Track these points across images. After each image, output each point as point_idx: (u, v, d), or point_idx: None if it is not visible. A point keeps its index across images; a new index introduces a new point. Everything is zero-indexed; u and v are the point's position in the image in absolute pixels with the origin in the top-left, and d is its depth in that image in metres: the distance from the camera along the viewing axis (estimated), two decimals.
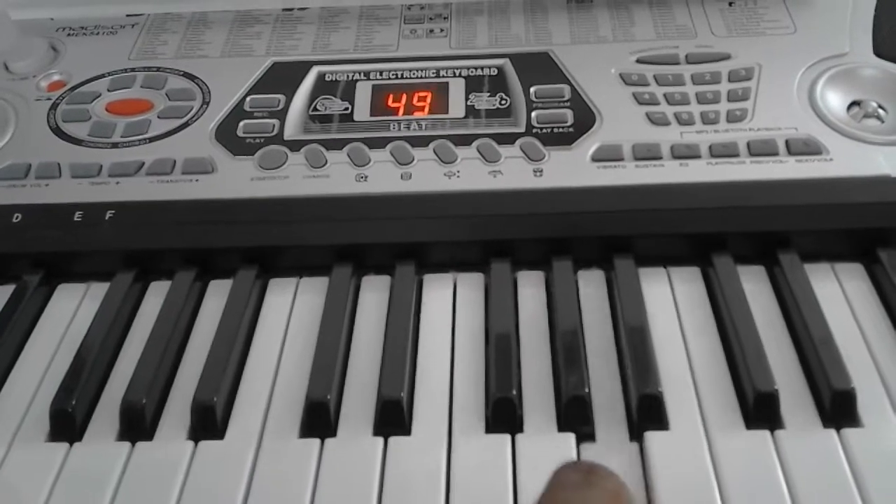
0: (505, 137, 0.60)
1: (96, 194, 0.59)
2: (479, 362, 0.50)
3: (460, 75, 0.66)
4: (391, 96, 0.64)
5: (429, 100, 0.64)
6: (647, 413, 0.46)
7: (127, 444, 0.47)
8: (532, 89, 0.63)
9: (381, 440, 0.46)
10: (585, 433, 0.46)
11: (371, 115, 0.63)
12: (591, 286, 0.54)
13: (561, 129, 0.61)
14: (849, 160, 0.57)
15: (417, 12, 0.72)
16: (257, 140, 0.61)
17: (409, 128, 0.62)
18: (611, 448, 0.45)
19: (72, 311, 0.55)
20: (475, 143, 0.60)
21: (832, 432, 0.45)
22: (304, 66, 0.67)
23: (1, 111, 0.65)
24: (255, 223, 0.57)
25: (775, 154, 0.58)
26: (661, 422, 0.46)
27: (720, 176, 0.57)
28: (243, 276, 0.55)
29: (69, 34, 0.73)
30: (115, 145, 0.62)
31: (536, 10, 0.71)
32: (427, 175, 0.58)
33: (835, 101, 0.61)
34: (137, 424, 0.48)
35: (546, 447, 0.45)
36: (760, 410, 0.46)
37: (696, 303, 0.53)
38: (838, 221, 0.54)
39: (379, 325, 0.53)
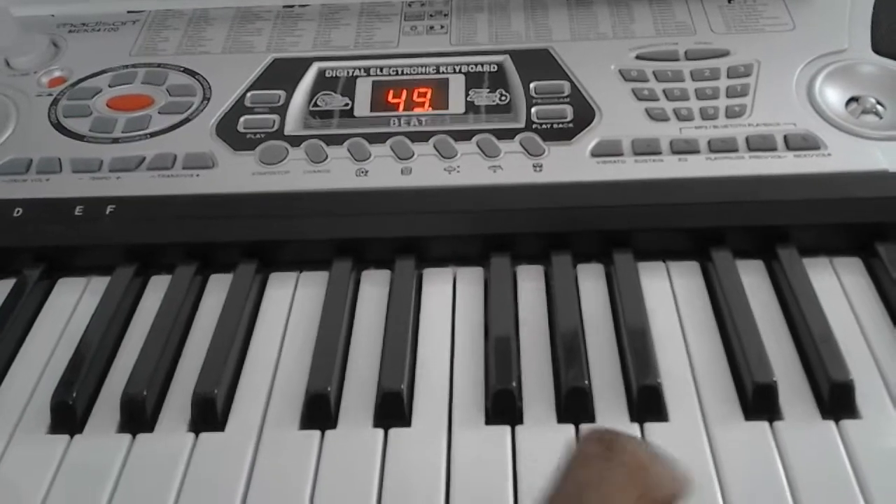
0: (505, 133, 0.60)
1: (97, 189, 0.59)
2: (479, 355, 0.50)
3: (460, 71, 0.66)
4: (391, 92, 0.64)
5: (429, 96, 0.64)
6: (646, 404, 0.46)
7: (128, 437, 0.47)
8: (532, 85, 0.64)
9: (381, 432, 0.46)
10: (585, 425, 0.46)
11: (371, 111, 0.63)
12: (590, 280, 0.54)
13: (561, 125, 0.61)
14: (847, 155, 0.57)
15: (418, 9, 0.73)
16: (258, 135, 0.62)
17: (409, 123, 0.62)
18: None
19: (72, 304, 0.55)
20: (475, 139, 0.60)
21: (831, 424, 0.45)
22: (305, 63, 0.67)
23: (2, 107, 0.65)
24: (255, 218, 0.57)
25: (774, 149, 0.58)
26: (660, 413, 0.46)
27: (719, 171, 0.57)
28: (244, 270, 0.55)
29: (70, 30, 0.73)
30: (115, 140, 0.62)
31: (536, 7, 0.71)
32: (427, 170, 0.59)
33: (833, 96, 0.62)
34: (138, 416, 0.48)
35: (546, 439, 0.45)
36: (759, 402, 0.46)
37: (695, 297, 0.53)
38: (837, 216, 0.55)
39: (379, 318, 0.53)
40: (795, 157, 0.58)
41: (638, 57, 0.66)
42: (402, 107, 0.63)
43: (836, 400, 0.45)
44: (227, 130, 0.62)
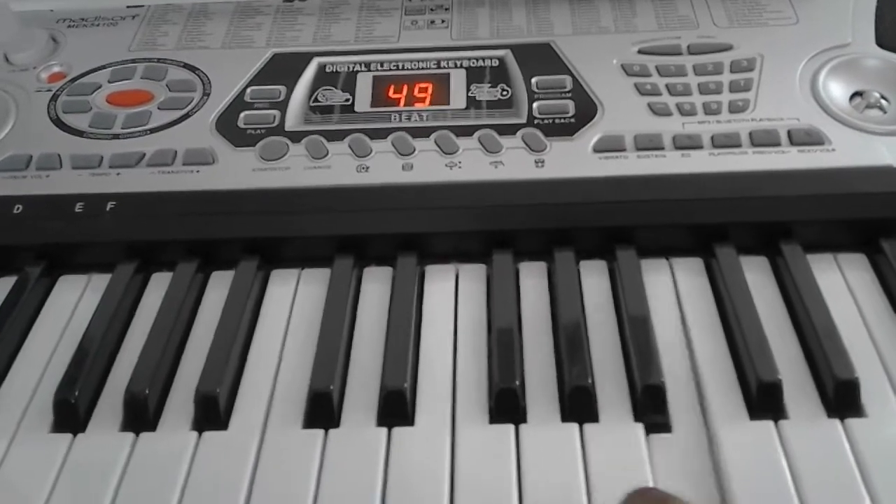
0: (506, 128, 0.60)
1: (97, 185, 0.59)
2: (482, 353, 0.50)
3: (461, 66, 0.65)
4: (392, 87, 0.64)
5: (430, 91, 0.64)
6: (651, 403, 0.46)
7: (130, 435, 0.47)
8: (533, 80, 0.63)
9: (384, 431, 0.46)
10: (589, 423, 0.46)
11: (372, 106, 0.63)
12: (593, 277, 0.54)
13: (562, 120, 0.60)
14: (851, 150, 0.57)
15: (418, 3, 0.72)
16: (258, 131, 0.61)
17: (410, 119, 0.62)
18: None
19: (74, 302, 0.55)
20: (476, 134, 0.60)
21: (836, 422, 0.45)
22: (305, 58, 0.67)
23: (1, 102, 0.65)
24: (256, 214, 0.57)
25: (777, 144, 0.58)
26: (663, 412, 0.46)
27: (722, 166, 0.57)
28: (245, 267, 0.55)
29: (69, 25, 0.72)
30: (115, 136, 0.62)
31: (538, 1, 0.71)
32: (428, 165, 0.58)
33: (837, 91, 0.61)
34: (141, 415, 0.48)
35: (549, 438, 0.45)
36: (764, 400, 0.46)
37: (698, 293, 0.53)
38: (841, 211, 0.54)
39: (381, 316, 0.52)
40: (799, 152, 0.57)
41: (640, 51, 0.65)
42: (403, 102, 0.63)
43: (842, 398, 0.45)
44: (228, 126, 0.62)
